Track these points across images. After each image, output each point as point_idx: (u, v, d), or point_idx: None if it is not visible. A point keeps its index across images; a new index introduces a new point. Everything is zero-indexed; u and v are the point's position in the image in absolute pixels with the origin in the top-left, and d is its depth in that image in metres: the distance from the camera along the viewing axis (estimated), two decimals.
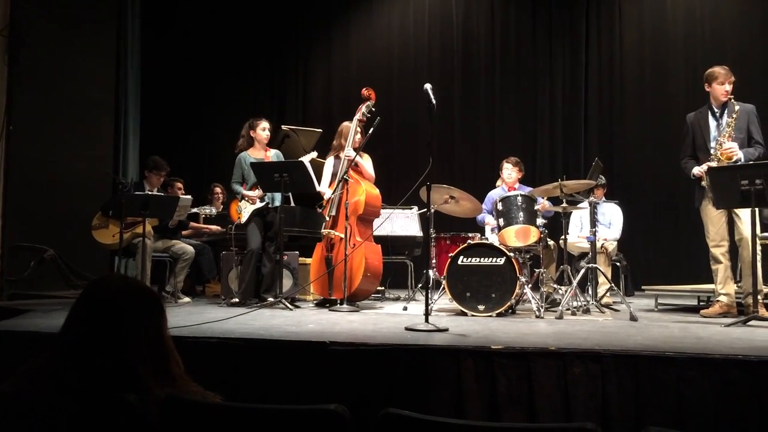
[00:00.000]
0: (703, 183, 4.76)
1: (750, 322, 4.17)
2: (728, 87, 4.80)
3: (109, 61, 7.49)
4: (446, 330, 3.77)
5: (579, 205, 5.51)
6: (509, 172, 6.01)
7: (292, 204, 6.11)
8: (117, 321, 1.69)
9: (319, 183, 5.48)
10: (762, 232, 5.01)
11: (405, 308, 5.17)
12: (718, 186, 4.41)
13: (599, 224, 6.04)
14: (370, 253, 5.25)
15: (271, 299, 5.14)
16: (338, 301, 5.05)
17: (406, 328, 3.80)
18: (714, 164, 4.68)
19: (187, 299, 5.74)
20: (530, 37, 8.26)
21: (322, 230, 5.37)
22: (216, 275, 6.44)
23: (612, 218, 6.29)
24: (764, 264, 4.62)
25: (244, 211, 5.50)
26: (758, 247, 4.57)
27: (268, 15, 8.80)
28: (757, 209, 4.31)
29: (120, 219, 5.23)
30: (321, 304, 5.37)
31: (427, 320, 3.84)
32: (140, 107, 8.16)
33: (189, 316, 4.30)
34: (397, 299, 6.18)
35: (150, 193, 5.70)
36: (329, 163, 5.60)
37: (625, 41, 7.96)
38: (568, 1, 8.12)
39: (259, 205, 5.48)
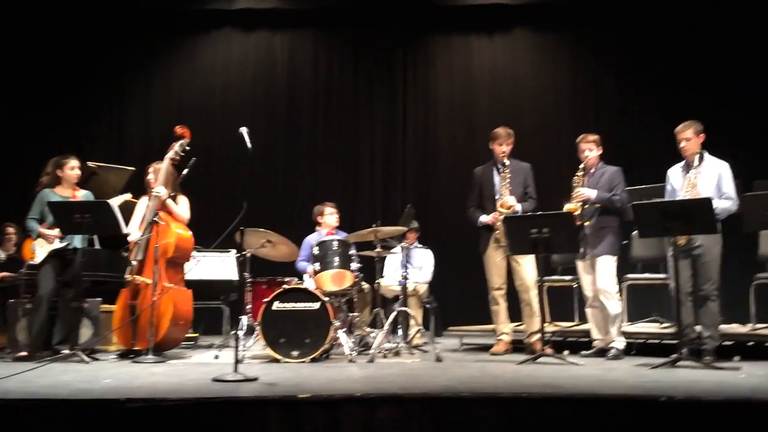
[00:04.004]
0: (497, 232, 5.22)
1: (539, 360, 4.55)
2: (506, 148, 5.35)
3: None
4: (256, 379, 3.68)
5: (392, 250, 5.72)
6: (332, 216, 6.14)
7: (96, 246, 5.71)
8: None
9: (127, 224, 5.19)
10: (547, 275, 5.56)
11: (216, 357, 4.99)
12: (513, 234, 4.82)
13: (412, 268, 6.31)
14: (179, 299, 5.02)
15: (66, 351, 4.71)
16: (143, 352, 4.75)
17: (214, 379, 3.66)
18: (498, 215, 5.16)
19: None
20: (352, 85, 8.57)
21: (127, 275, 5.05)
22: (1, 325, 5.77)
23: (423, 262, 6.59)
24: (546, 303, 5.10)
25: (39, 250, 5.05)
26: (536, 291, 5.07)
27: (79, 47, 8.30)
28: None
29: None
30: (124, 355, 5.02)
31: (236, 370, 3.73)
32: None
33: None
34: (210, 346, 5.95)
35: None
36: (141, 203, 5.35)
37: (438, 95, 8.53)
38: (386, 51, 8.55)
39: (57, 245, 5.05)
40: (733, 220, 4.94)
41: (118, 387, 3.45)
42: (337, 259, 5.17)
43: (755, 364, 4.45)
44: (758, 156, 6.95)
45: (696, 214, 4.32)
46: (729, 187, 4.69)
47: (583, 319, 5.50)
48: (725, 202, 4.64)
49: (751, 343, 5.14)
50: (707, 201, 4.36)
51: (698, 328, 4.68)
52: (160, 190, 5.06)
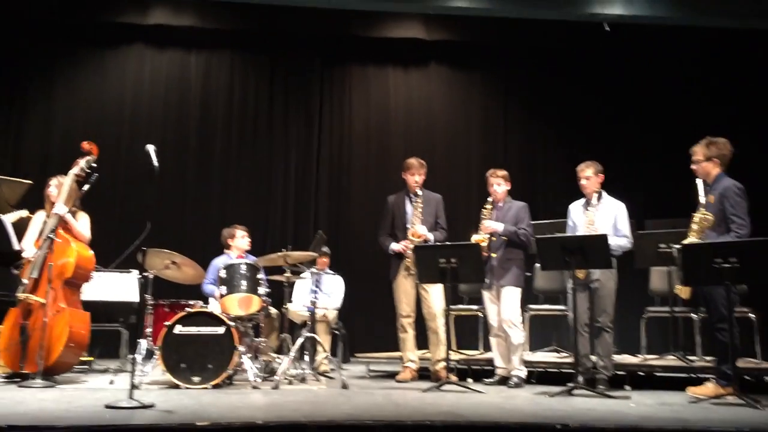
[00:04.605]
0: (407, 261, 5.29)
1: (443, 387, 4.62)
2: (418, 178, 5.49)
3: None
4: (152, 406, 3.55)
5: (301, 275, 5.68)
6: (244, 240, 6.06)
7: None
8: None
9: (21, 240, 4.92)
10: (453, 304, 5.66)
11: (112, 382, 4.77)
12: (422, 262, 4.90)
13: (321, 293, 6.28)
14: (75, 321, 4.77)
15: None
16: (31, 376, 4.47)
17: (107, 406, 3.50)
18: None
19: None
20: (267, 108, 8.49)
21: (19, 294, 4.76)
22: None
23: (333, 288, 6.57)
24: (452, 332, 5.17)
25: None
26: (443, 319, 5.16)
27: None
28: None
29: None
30: (10, 378, 4.70)
31: (131, 396, 3.58)
32: None
33: None
34: (106, 371, 5.67)
35: None
36: (38, 218, 5.09)
37: (354, 123, 8.59)
38: (303, 77, 8.55)
39: None
40: (627, 256, 5.24)
41: (0, 413, 3.23)
42: (244, 283, 5.09)
43: (644, 393, 4.70)
44: (650, 197, 7.41)
45: (593, 249, 4.55)
46: (624, 225, 4.98)
47: (488, 348, 5.63)
48: (621, 240, 4.92)
49: (641, 373, 5.42)
50: (603, 237, 4.61)
51: (594, 358, 4.90)
52: (60, 209, 4.84)
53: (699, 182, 4.62)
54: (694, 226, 4.51)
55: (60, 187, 5.00)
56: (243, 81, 8.51)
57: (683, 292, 4.60)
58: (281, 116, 8.48)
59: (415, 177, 5.48)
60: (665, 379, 5.46)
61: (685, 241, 4.45)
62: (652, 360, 5.40)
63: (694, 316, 5.59)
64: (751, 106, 8.03)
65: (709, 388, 4.40)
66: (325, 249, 6.41)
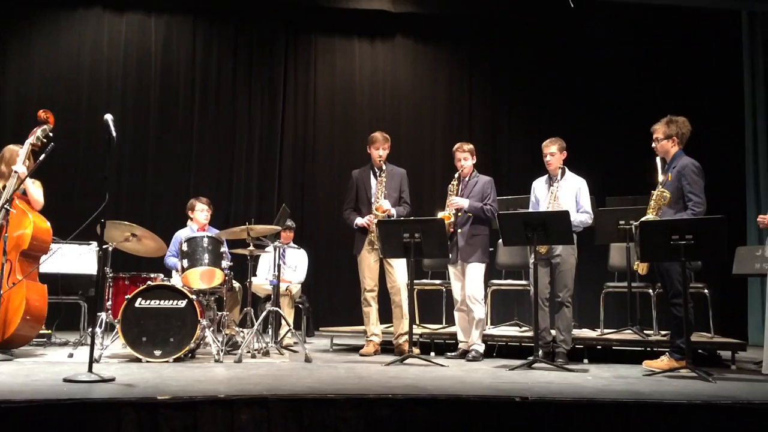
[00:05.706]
0: (371, 235, 5.29)
1: (406, 361, 4.67)
2: (382, 152, 5.46)
3: None
4: (112, 380, 3.52)
5: (265, 249, 5.64)
6: (202, 214, 5.95)
7: None
8: None
9: None
10: (417, 279, 5.69)
11: (71, 355, 4.70)
12: (386, 237, 4.91)
13: (286, 267, 6.26)
14: (32, 293, 4.67)
15: None
16: None
17: (65, 380, 3.45)
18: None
19: None
20: (230, 79, 8.33)
21: None
22: None
23: (297, 262, 6.55)
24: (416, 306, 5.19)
25: None
26: (406, 293, 5.19)
27: None
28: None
29: None
30: None
31: (90, 369, 3.54)
32: None
33: None
34: (65, 344, 5.59)
35: None
36: None
37: (318, 94, 8.49)
38: (268, 46, 8.40)
39: None
40: (587, 232, 5.33)
41: None
42: (207, 256, 5.03)
43: (602, 367, 4.82)
44: (610, 174, 7.52)
45: (555, 225, 4.62)
46: (586, 201, 5.07)
47: (451, 322, 5.70)
48: (582, 216, 5.00)
49: (599, 347, 5.55)
50: (566, 213, 4.67)
51: (554, 332, 5.00)
52: (19, 168, 4.71)
53: (658, 160, 4.71)
54: (652, 203, 4.59)
55: (14, 155, 4.88)
56: (205, 48, 8.31)
57: (641, 268, 4.70)
58: (245, 86, 8.33)
59: (380, 151, 5.46)
60: (622, 352, 5.60)
61: (643, 219, 4.53)
62: (610, 334, 5.54)
63: (650, 291, 5.72)
64: (708, 86, 8.17)
65: (664, 361, 4.53)
66: (290, 222, 6.37)
